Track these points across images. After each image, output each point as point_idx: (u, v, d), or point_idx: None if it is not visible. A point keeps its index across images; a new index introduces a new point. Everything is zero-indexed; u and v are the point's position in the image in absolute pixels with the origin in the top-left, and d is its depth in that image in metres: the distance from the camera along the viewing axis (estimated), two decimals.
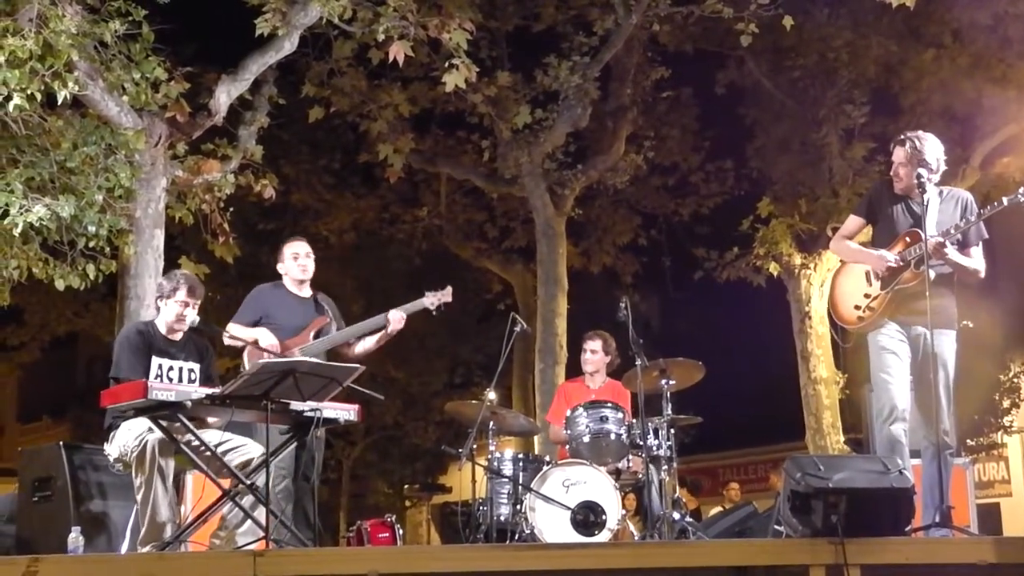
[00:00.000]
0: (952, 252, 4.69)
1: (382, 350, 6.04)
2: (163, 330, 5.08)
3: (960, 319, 4.89)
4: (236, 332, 5.52)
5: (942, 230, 4.74)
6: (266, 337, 5.51)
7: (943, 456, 4.61)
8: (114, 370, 4.96)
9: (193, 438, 4.70)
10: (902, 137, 4.95)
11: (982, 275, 4.80)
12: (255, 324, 5.62)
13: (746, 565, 4.06)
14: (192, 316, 5.04)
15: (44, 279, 6.90)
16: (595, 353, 6.69)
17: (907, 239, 4.81)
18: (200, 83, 8.13)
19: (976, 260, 4.79)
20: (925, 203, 4.72)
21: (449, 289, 5.85)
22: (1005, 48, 10.63)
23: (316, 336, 5.65)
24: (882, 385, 4.80)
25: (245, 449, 4.86)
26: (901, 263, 4.76)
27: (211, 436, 4.82)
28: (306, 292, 5.79)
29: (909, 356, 4.79)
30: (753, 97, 12.78)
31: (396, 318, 5.65)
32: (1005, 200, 4.56)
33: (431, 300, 5.81)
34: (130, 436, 4.68)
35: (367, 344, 5.77)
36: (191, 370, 5.05)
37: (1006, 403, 14.06)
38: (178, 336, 5.10)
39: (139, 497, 4.62)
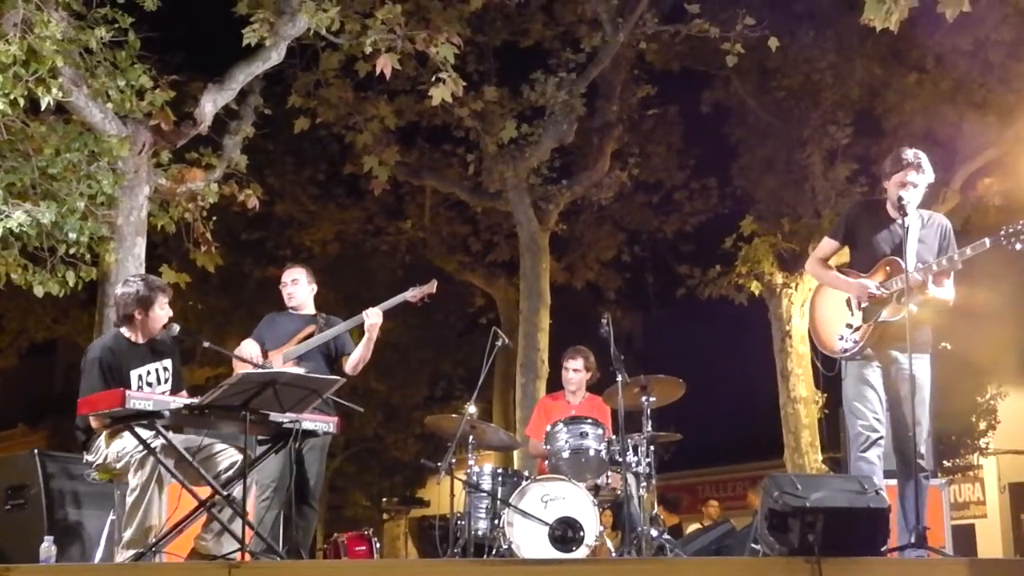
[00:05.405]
0: (932, 289, 4.71)
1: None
2: (138, 339, 4.97)
3: (938, 341, 4.92)
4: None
5: (922, 259, 4.76)
6: (245, 347, 5.63)
7: (918, 478, 4.63)
8: (83, 394, 4.71)
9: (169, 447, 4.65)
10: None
11: (951, 303, 4.83)
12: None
13: None
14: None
15: (23, 285, 6.85)
16: (577, 372, 6.62)
17: (887, 268, 4.80)
18: (186, 91, 8.11)
19: (948, 290, 4.82)
20: (907, 226, 4.75)
21: (434, 282, 5.81)
22: (986, 73, 10.75)
23: (300, 342, 5.69)
24: (858, 412, 4.81)
25: (226, 454, 4.81)
26: (884, 293, 4.78)
27: (190, 443, 4.77)
28: (307, 311, 5.84)
29: (883, 380, 4.82)
30: (738, 116, 12.87)
31: (373, 313, 5.60)
32: (987, 242, 4.57)
33: (413, 293, 5.78)
34: (129, 441, 4.59)
35: (358, 354, 5.71)
36: (165, 368, 4.99)
37: (982, 425, 14.15)
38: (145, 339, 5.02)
39: (130, 500, 4.53)
